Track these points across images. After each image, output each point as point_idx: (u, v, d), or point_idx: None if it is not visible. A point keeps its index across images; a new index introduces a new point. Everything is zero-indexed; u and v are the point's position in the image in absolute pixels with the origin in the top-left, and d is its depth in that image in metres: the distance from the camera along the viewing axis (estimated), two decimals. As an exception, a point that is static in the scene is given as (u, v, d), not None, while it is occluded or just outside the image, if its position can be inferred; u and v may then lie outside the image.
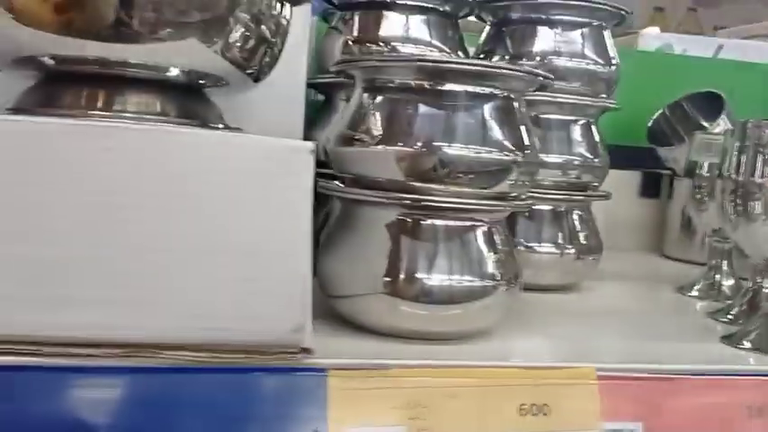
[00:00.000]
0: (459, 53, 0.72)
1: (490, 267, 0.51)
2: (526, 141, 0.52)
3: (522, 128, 0.52)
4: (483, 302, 0.51)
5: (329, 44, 0.71)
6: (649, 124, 1.01)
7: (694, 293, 0.78)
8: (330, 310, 0.53)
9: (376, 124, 0.50)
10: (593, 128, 0.74)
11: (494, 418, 0.43)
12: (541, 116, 0.72)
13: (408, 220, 0.50)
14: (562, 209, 0.73)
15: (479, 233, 0.51)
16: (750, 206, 0.54)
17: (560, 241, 0.73)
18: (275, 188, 0.41)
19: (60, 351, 0.40)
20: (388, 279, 0.49)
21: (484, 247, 0.51)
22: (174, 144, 0.40)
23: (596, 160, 0.73)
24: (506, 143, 0.51)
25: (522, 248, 0.72)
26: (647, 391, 0.45)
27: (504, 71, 0.51)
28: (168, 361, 0.40)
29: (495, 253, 0.52)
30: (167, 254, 0.40)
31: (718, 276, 0.77)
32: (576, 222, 0.74)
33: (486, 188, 0.50)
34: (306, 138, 0.67)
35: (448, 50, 0.70)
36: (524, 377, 0.44)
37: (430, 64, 0.50)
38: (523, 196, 0.54)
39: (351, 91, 0.70)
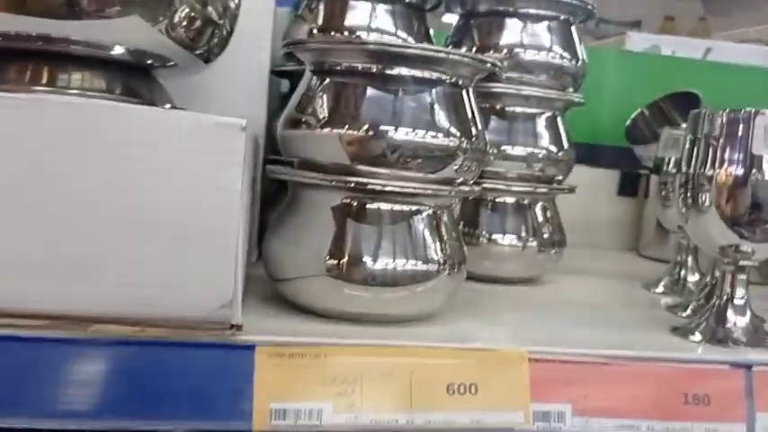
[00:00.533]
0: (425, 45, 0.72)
1: (434, 252, 0.52)
2: (473, 128, 0.52)
3: (470, 114, 0.53)
4: (425, 286, 0.51)
5: (295, 32, 0.71)
6: (627, 123, 1.01)
7: (659, 289, 0.77)
8: (277, 294, 0.53)
9: (323, 107, 0.51)
10: (559, 122, 0.74)
11: (421, 396, 0.43)
12: (507, 108, 0.72)
13: (353, 203, 0.50)
14: (526, 201, 0.73)
15: (424, 218, 0.52)
16: (700, 198, 0.54)
17: (523, 234, 0.73)
18: (206, 164, 0.41)
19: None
20: (331, 261, 0.50)
21: (428, 232, 0.52)
22: (106, 118, 0.40)
23: (560, 154, 0.73)
24: (453, 129, 0.51)
25: (485, 240, 0.72)
26: (578, 375, 0.45)
27: (451, 56, 0.51)
28: (94, 333, 0.41)
29: (439, 238, 0.52)
30: (96, 224, 0.40)
31: (683, 272, 0.77)
32: (540, 215, 0.74)
33: (431, 173, 0.51)
34: (269, 126, 0.67)
35: (412, 41, 0.70)
36: (454, 357, 0.45)
37: (377, 47, 0.50)
38: (470, 182, 0.55)
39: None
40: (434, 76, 0.51)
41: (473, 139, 0.52)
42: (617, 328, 0.58)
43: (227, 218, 0.41)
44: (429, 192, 0.51)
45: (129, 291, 0.41)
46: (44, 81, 0.46)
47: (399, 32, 0.70)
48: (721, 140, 0.53)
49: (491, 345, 0.46)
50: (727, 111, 0.53)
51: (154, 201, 0.41)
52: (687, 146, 0.55)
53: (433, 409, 0.43)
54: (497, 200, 0.73)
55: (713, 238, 0.54)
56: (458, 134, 0.51)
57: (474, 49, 0.72)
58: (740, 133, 0.52)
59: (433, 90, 0.51)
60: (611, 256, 1.02)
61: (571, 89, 0.74)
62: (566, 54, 0.72)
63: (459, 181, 0.53)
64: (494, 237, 0.73)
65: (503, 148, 0.72)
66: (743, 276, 0.55)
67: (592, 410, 0.45)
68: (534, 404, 0.44)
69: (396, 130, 0.49)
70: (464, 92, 0.52)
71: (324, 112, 0.51)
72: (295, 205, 0.53)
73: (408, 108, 0.50)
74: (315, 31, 0.70)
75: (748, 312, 0.55)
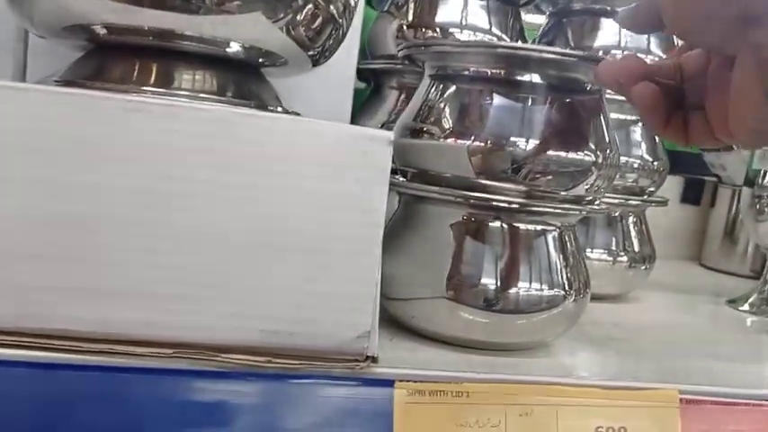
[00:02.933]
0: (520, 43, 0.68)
1: (560, 275, 0.48)
2: (608, 141, 0.48)
3: (605, 126, 0.49)
4: (551, 313, 0.47)
5: (381, 29, 0.67)
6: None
7: (746, 307, 0.74)
8: (384, 313, 0.49)
9: (446, 116, 0.46)
10: (654, 129, 0.70)
11: (570, 439, 0.39)
12: (601, 115, 0.68)
13: (475, 220, 0.46)
14: (616, 214, 0.69)
15: (550, 238, 0.48)
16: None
17: (613, 248, 0.69)
18: (349, 180, 0.37)
19: (102, 348, 0.36)
20: (450, 283, 0.46)
21: (554, 254, 0.48)
22: (240, 127, 0.36)
23: (656, 163, 0.69)
24: (588, 142, 0.47)
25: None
26: (734, 419, 0.42)
27: (592, 59, 0.46)
28: (222, 364, 0.37)
29: (565, 260, 0.48)
30: (225, 247, 0.36)
31: (773, 290, 0.73)
32: (630, 229, 0.70)
33: (562, 191, 0.47)
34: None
35: (508, 39, 0.66)
36: (602, 397, 0.41)
37: (509, 51, 0.46)
38: (597, 201, 0.51)
39: (401, 78, 0.67)
40: (570, 82, 0.47)
41: (608, 152, 0.48)
42: (730, 359, 0.54)
43: (369, 240, 0.38)
44: (558, 210, 0.47)
45: (258, 318, 0.37)
46: (153, 80, 0.42)
47: (494, 30, 0.66)
48: None
49: (639, 383, 0.42)
50: None
51: (289, 220, 0.37)
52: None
53: (580, 452, 0.39)
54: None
55: None
56: (593, 148, 0.47)
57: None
58: None
59: (568, 98, 0.47)
60: (674, 266, 0.98)
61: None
62: (665, 55, 0.68)
63: (587, 199, 0.49)
64: (586, 251, 0.69)
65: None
66: None
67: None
68: (688, 449, 0.41)
69: (525, 142, 0.45)
70: (601, 99, 0.48)
71: (447, 122, 0.46)
72: (409, 220, 0.49)
73: (540, 118, 0.46)
74: (404, 27, 0.65)
75: None
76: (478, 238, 0.46)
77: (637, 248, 0.70)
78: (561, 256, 0.48)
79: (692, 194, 1.03)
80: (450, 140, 0.46)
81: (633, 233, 0.70)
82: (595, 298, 0.68)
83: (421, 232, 0.48)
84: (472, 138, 0.45)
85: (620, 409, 0.41)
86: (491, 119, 0.46)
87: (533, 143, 0.45)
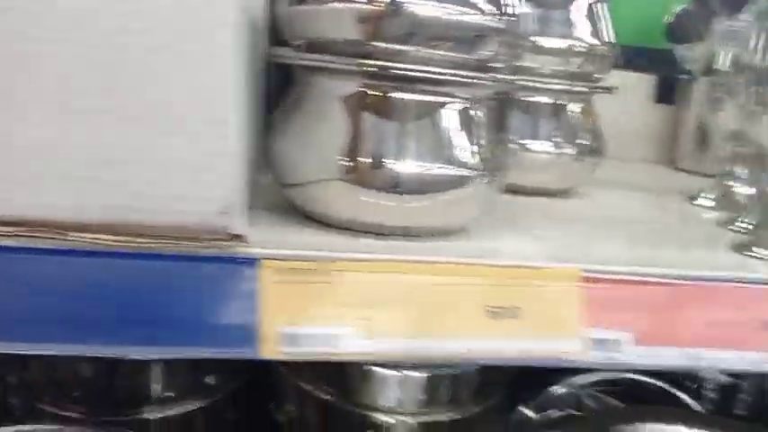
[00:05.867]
0: None
1: (468, 154, 0.44)
2: (507, 7, 0.44)
3: (508, -9, 0.44)
4: (457, 194, 0.43)
5: None
6: (668, 21, 0.91)
7: (705, 203, 0.70)
8: (286, 202, 0.46)
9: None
10: (602, 8, 0.65)
11: (456, 320, 0.36)
12: (540, -7, 0.63)
13: (371, 92, 0.42)
14: (561, 102, 0.65)
15: (456, 112, 0.44)
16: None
17: (558, 139, 0.65)
18: (191, 37, 0.33)
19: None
20: (345, 163, 0.42)
21: (461, 130, 0.44)
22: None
23: (601, 47, 0.64)
24: (486, 5, 0.42)
25: (515, 146, 0.64)
26: (640, 298, 0.39)
27: None
28: (76, 243, 0.34)
29: (475, 137, 0.44)
30: (72, 113, 0.32)
31: (733, 184, 0.69)
32: (577, 119, 0.66)
33: (463, 55, 0.42)
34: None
35: None
36: (494, 276, 0.38)
37: None
38: (506, 72, 0.46)
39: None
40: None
41: (508, 18, 0.43)
42: (668, 246, 0.50)
43: (221, 105, 0.34)
44: (460, 78, 0.43)
45: (110, 192, 0.34)
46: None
47: None
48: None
49: (536, 262, 0.39)
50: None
51: (134, 81, 0.33)
52: (761, 37, 0.46)
53: (469, 335, 0.36)
54: (530, 100, 0.65)
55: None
56: (492, 11, 0.42)
57: None
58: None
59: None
60: (646, 168, 0.94)
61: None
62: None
63: (494, 68, 0.45)
64: (525, 142, 0.65)
65: (535, 39, 0.63)
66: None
67: (654, 338, 0.38)
68: (589, 330, 0.38)
69: (421, 2, 0.41)
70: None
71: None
72: (302, 97, 0.45)
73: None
74: None
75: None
76: (374, 112, 0.42)
77: (584, 140, 0.66)
78: (470, 133, 0.44)
79: (665, 94, 0.97)
80: (336, 3, 0.41)
81: (579, 123, 0.66)
82: (538, 192, 0.65)
83: (312, 110, 0.44)
84: (361, -1, 0.41)
85: (514, 289, 0.37)
86: (381, -23, 0.41)
87: (428, 4, 0.41)
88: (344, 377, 0.50)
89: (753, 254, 0.48)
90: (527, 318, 0.37)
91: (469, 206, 0.45)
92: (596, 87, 0.66)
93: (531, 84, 0.64)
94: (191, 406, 0.49)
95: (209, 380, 0.51)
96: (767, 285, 0.41)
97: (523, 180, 0.65)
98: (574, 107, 0.66)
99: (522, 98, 0.65)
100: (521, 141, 0.64)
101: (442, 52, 0.42)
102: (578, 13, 0.64)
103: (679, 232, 0.56)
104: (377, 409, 0.50)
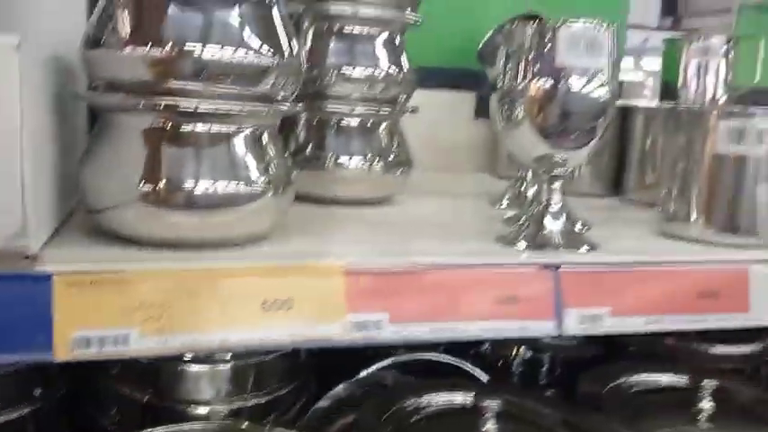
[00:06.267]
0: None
1: (255, 173, 0.51)
2: (285, 45, 0.51)
3: (282, 31, 0.51)
4: (246, 208, 0.50)
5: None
6: (479, 47, 1.03)
7: (504, 205, 0.81)
8: (97, 226, 0.51)
9: (124, 24, 0.48)
10: (398, 42, 0.74)
11: (236, 314, 0.43)
12: (345, 29, 0.72)
13: (164, 125, 0.48)
14: (370, 122, 0.74)
15: (242, 138, 0.51)
16: (514, 111, 0.56)
17: (369, 155, 0.73)
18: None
19: None
20: (143, 187, 0.48)
21: (249, 153, 0.51)
22: None
23: (401, 74, 0.74)
24: (263, 45, 0.50)
25: (332, 163, 0.72)
26: (394, 285, 0.47)
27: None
28: None
29: (261, 159, 0.51)
30: None
31: (522, 186, 0.80)
32: (385, 137, 0.74)
33: (245, 91, 0.49)
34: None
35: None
36: (267, 275, 0.45)
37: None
38: (290, 100, 0.54)
39: None
40: (243, -8, 0.49)
41: (285, 55, 0.51)
42: (448, 241, 0.59)
43: (6, 142, 0.39)
44: (245, 110, 0.50)
45: None
46: None
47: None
48: (531, 53, 0.54)
49: (306, 260, 0.46)
50: (536, 22, 0.54)
51: None
52: (503, 60, 0.56)
53: (247, 327, 0.43)
54: (342, 123, 0.73)
55: (528, 149, 0.57)
56: (269, 50, 0.50)
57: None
58: (547, 46, 0.54)
59: (240, 6, 0.49)
60: (470, 178, 1.05)
61: (409, 9, 0.74)
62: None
63: (278, 98, 0.52)
64: (340, 159, 0.73)
65: (343, 69, 0.71)
66: (558, 184, 0.58)
67: (408, 317, 0.47)
68: (351, 315, 0.45)
69: (203, 47, 0.47)
70: (275, 8, 0.51)
71: (125, 29, 0.48)
72: (104, 131, 0.50)
73: (216, 24, 0.48)
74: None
75: (563, 217, 0.58)
76: (169, 143, 0.49)
77: (392, 155, 0.75)
78: (257, 155, 0.51)
79: (483, 110, 1.09)
80: (128, 49, 0.47)
81: (387, 140, 0.74)
82: (356, 203, 0.73)
83: (113, 142, 0.49)
84: (150, 44, 0.47)
85: (287, 284, 0.45)
86: (167, 26, 0.47)
87: (210, 48, 0.47)
88: (159, 377, 0.56)
89: (515, 246, 0.57)
90: (298, 308, 0.44)
91: (260, 218, 0.52)
92: (401, 108, 0.75)
93: (340, 108, 0.72)
94: (15, 414, 0.53)
95: (35, 390, 0.54)
96: (507, 269, 0.50)
97: (341, 192, 0.73)
98: (381, 126, 0.74)
99: (336, 121, 0.73)
100: (337, 158, 0.72)
101: (225, 88, 0.49)
102: (381, 44, 0.73)
103: (467, 229, 0.66)
104: (191, 402, 0.56)
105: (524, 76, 0.55)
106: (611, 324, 0.52)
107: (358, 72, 0.72)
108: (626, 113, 0.92)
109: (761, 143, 0.60)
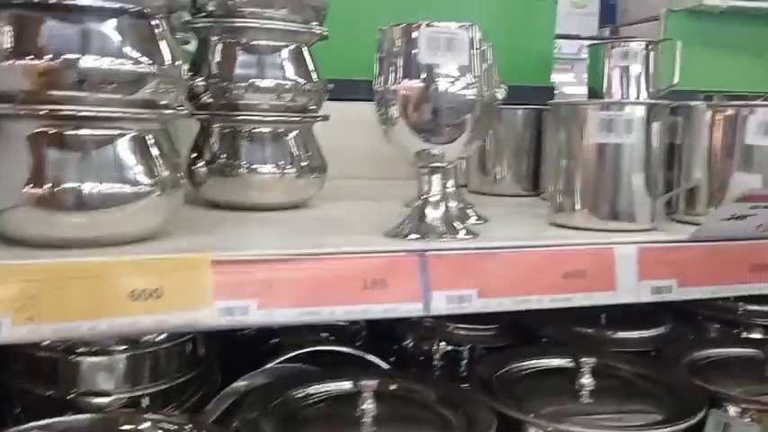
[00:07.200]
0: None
1: (140, 174, 0.54)
2: (164, 55, 0.55)
3: (161, 42, 0.55)
4: (132, 207, 0.54)
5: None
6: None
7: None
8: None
9: (5, 38, 0.51)
10: (306, 54, 0.78)
11: (104, 304, 0.46)
12: (252, 43, 0.75)
13: (49, 131, 0.52)
14: (281, 131, 0.77)
15: (126, 142, 0.54)
16: (390, 112, 0.59)
17: (281, 162, 0.77)
18: None
19: None
20: (29, 190, 0.51)
21: (132, 155, 0.54)
22: None
23: (309, 84, 0.77)
24: (140, 55, 0.53)
25: (246, 170, 0.76)
26: (262, 273, 0.50)
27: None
28: None
29: (145, 160, 0.55)
30: None
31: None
32: (296, 144, 0.78)
33: (124, 97, 0.53)
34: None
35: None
36: (138, 268, 0.48)
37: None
38: (175, 106, 0.57)
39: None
40: (117, 5, 0.53)
41: (166, 63, 0.55)
42: (339, 236, 0.63)
43: None
44: (125, 115, 0.53)
45: None
46: None
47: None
48: (399, 56, 0.58)
49: (176, 254, 0.50)
50: (402, 26, 0.58)
51: None
52: (377, 65, 0.60)
53: (115, 314, 0.46)
54: (254, 131, 0.77)
55: (407, 146, 0.60)
56: (147, 59, 0.53)
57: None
58: (413, 47, 0.57)
59: (119, 18, 0.53)
60: (395, 184, 1.08)
61: (315, 22, 0.78)
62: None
63: (161, 104, 0.56)
64: (254, 166, 0.76)
65: (252, 81, 0.75)
66: (438, 176, 0.62)
67: (276, 302, 0.50)
68: (219, 302, 0.49)
69: (82, 57, 0.51)
70: (152, 21, 0.55)
71: (7, 43, 0.51)
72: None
73: (95, 36, 0.52)
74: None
75: (442, 207, 0.61)
76: (54, 147, 0.52)
77: (305, 161, 0.78)
78: (141, 158, 0.55)
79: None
80: (9, 62, 0.51)
81: (298, 148, 0.78)
82: (270, 208, 0.77)
83: (2, 150, 0.53)
84: (30, 57, 0.51)
85: (157, 276, 0.48)
86: (46, 39, 0.51)
87: (88, 58, 0.51)
88: (57, 371, 0.59)
89: (400, 236, 0.60)
90: (168, 297, 0.48)
91: (145, 217, 0.55)
92: (312, 117, 0.79)
93: (251, 118, 0.76)
94: None
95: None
96: (377, 256, 0.54)
97: (254, 198, 0.76)
98: (292, 134, 0.78)
99: (248, 130, 0.76)
100: (249, 165, 0.76)
101: (105, 95, 0.52)
102: (288, 56, 0.77)
103: (366, 227, 0.68)
104: (91, 394, 0.59)
105: (395, 79, 0.58)
106: (479, 305, 0.55)
107: (266, 83, 0.75)
108: (540, 115, 0.96)
109: (630, 132, 0.63)
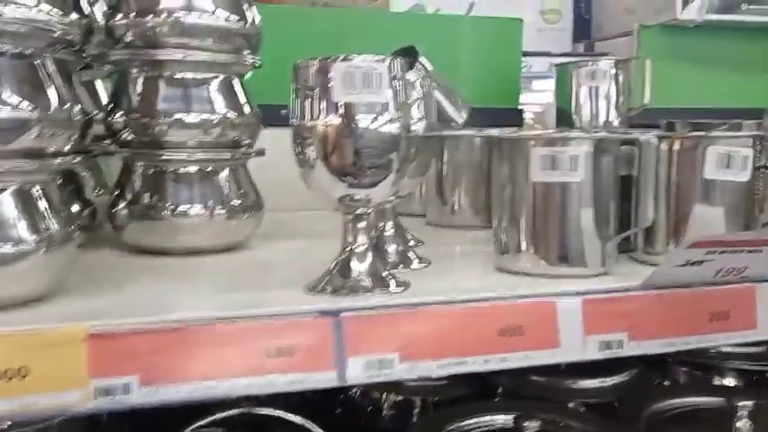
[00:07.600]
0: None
1: (23, 231, 0.49)
2: (50, 98, 0.50)
3: (46, 83, 0.50)
4: (13, 268, 0.48)
5: None
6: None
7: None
8: None
9: None
10: (237, 85, 0.73)
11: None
12: (176, 76, 0.70)
13: None
14: (210, 169, 0.72)
15: (8, 196, 0.49)
16: (307, 152, 0.54)
17: (210, 202, 0.71)
18: None
19: None
20: None
21: (15, 211, 0.49)
22: None
23: (240, 117, 0.72)
24: (22, 100, 0.48)
25: (171, 213, 0.70)
26: (148, 344, 0.44)
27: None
28: None
29: (30, 216, 0.49)
30: None
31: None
32: (227, 182, 0.72)
33: (2, 147, 0.48)
34: None
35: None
36: (6, 342, 0.42)
37: None
38: (67, 154, 0.52)
39: None
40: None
41: (52, 108, 0.49)
42: (255, 290, 0.57)
43: None
44: (4, 168, 0.48)
45: None
46: None
47: None
48: (317, 91, 0.52)
49: (44, 324, 0.44)
50: (318, 60, 0.52)
51: None
52: (293, 98, 0.54)
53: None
54: (180, 170, 0.71)
55: (327, 190, 0.55)
56: (27, 104, 0.48)
57: (133, 14, 0.69)
58: (330, 82, 0.52)
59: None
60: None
61: (247, 51, 0.73)
62: (233, 16, 0.71)
63: (49, 152, 0.50)
64: (181, 209, 0.71)
65: (177, 116, 0.70)
66: (362, 224, 0.56)
67: (162, 379, 0.44)
68: (96, 380, 0.43)
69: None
70: (34, 61, 0.49)
71: None
72: None
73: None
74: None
75: (368, 257, 0.56)
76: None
77: (237, 200, 0.72)
78: (24, 213, 0.49)
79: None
80: None
81: (229, 186, 0.72)
82: (200, 252, 0.71)
83: None
84: None
85: (23, 352, 0.42)
86: None
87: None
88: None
89: (322, 293, 0.54)
90: (35, 377, 0.42)
91: (29, 278, 0.49)
92: (244, 153, 0.73)
93: (176, 156, 0.70)
94: None
95: None
96: (282, 319, 0.48)
97: (181, 242, 0.70)
98: (223, 171, 0.72)
99: (173, 169, 0.71)
100: (175, 208, 0.70)
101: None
102: (216, 88, 0.71)
103: (295, 275, 0.62)
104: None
105: (311, 115, 0.53)
106: (402, 369, 0.49)
107: (191, 118, 0.70)
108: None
109: (575, 169, 0.58)
